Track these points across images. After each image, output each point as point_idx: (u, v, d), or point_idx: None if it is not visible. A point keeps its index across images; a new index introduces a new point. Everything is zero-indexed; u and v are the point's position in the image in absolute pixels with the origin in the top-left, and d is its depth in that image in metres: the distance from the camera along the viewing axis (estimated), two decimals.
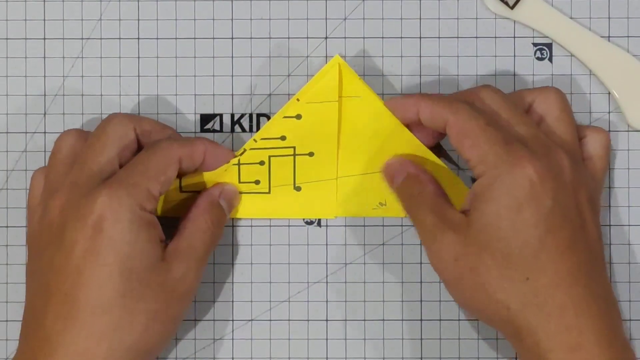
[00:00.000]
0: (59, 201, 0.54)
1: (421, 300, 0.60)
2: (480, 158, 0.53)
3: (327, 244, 0.61)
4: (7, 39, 0.61)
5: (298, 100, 0.58)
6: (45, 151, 0.61)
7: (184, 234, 0.56)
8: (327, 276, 0.60)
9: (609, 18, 0.61)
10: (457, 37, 0.61)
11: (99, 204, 0.53)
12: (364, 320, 0.60)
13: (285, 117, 0.58)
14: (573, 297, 0.52)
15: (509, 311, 0.53)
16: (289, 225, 0.61)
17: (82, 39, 0.61)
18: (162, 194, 0.55)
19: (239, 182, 0.59)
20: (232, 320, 0.61)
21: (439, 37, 0.61)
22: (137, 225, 0.53)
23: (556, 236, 0.52)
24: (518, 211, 0.52)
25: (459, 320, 0.60)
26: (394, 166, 0.58)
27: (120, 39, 0.61)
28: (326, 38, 0.61)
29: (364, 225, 0.61)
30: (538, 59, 0.61)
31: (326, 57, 0.61)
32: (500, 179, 0.53)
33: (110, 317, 0.53)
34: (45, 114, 0.61)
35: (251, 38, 0.61)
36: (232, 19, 0.61)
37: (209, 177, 0.59)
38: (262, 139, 0.58)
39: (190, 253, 0.56)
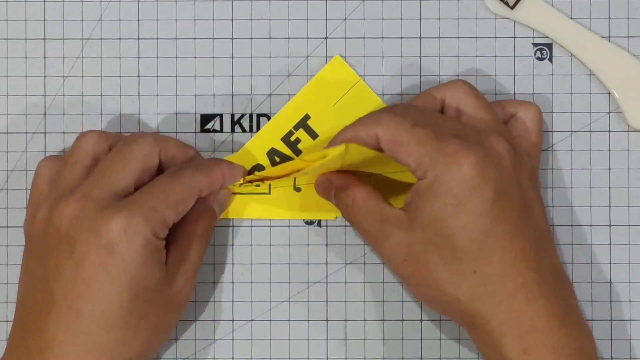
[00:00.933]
0: (70, 209, 0.53)
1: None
2: (417, 162, 0.53)
3: (327, 244, 0.61)
4: (7, 39, 0.61)
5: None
6: (45, 151, 0.61)
7: (181, 243, 0.56)
8: (327, 276, 0.60)
9: (609, 18, 0.61)
10: (457, 37, 0.61)
11: (116, 226, 0.52)
12: (364, 320, 0.60)
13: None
14: (523, 283, 0.53)
15: (460, 303, 0.53)
16: (289, 226, 0.61)
17: (82, 39, 0.61)
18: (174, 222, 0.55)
19: (239, 183, 0.59)
20: (232, 320, 0.61)
21: (439, 37, 0.61)
22: (149, 251, 0.53)
23: (501, 226, 0.53)
24: (460, 207, 0.52)
25: None
26: (323, 184, 0.58)
27: (120, 39, 0.61)
28: (326, 38, 0.61)
29: None
30: (538, 59, 0.61)
31: (326, 57, 0.61)
32: (439, 178, 0.53)
33: (115, 333, 0.53)
34: (45, 114, 0.61)
35: (251, 38, 0.61)
36: (232, 19, 0.61)
37: None
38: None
39: (188, 263, 0.56)
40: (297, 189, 0.60)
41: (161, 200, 0.54)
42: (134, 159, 0.55)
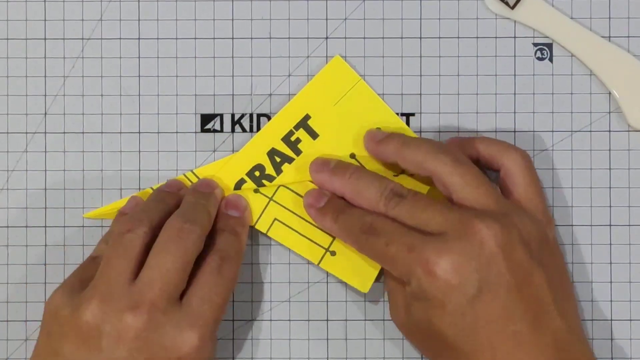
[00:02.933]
0: (140, 321, 0.53)
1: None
2: (399, 272, 0.55)
3: None
4: (7, 39, 0.61)
5: None
6: (45, 151, 0.61)
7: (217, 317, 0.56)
8: (327, 276, 0.60)
9: (609, 18, 0.61)
10: (457, 37, 0.61)
11: (189, 345, 0.54)
12: (364, 320, 0.60)
13: None
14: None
15: None
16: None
17: (82, 39, 0.61)
18: None
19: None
20: (233, 320, 0.61)
21: (439, 37, 0.61)
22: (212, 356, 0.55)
23: (488, 313, 0.53)
24: (442, 308, 0.53)
25: None
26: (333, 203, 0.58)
27: (120, 39, 0.61)
28: (326, 38, 0.61)
29: None
30: (538, 59, 0.61)
31: (326, 57, 0.61)
32: (420, 285, 0.53)
33: None
34: (45, 114, 0.61)
35: (251, 38, 0.61)
36: (232, 19, 0.61)
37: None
38: None
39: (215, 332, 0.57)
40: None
41: (222, 308, 0.55)
42: (190, 257, 0.55)
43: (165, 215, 0.57)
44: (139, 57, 0.61)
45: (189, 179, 0.60)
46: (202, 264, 0.56)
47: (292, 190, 0.59)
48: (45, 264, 0.60)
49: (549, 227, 0.56)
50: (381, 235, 0.55)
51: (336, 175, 0.58)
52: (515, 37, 0.61)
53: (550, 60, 0.61)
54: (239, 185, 0.60)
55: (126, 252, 0.55)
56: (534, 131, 0.61)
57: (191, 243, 0.55)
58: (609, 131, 0.60)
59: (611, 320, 0.60)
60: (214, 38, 0.61)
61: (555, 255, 0.56)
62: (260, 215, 0.60)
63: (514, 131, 0.60)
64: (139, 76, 0.61)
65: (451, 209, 0.54)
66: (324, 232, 0.59)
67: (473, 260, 0.53)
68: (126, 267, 0.54)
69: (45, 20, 0.61)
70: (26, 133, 0.61)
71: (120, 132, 0.61)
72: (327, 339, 0.60)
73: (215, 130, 0.61)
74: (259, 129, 0.61)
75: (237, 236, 0.58)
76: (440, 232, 0.54)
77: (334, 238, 0.59)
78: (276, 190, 0.60)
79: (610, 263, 0.60)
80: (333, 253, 0.59)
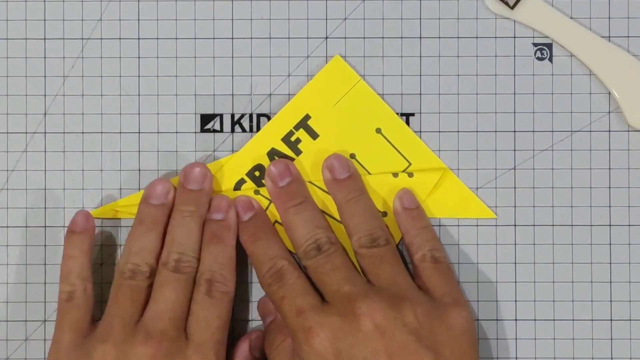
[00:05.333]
0: (151, 350, 0.55)
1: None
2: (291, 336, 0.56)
3: None
4: (7, 39, 0.61)
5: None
6: (45, 151, 0.61)
7: None
8: None
9: (609, 18, 0.61)
10: (457, 37, 0.61)
11: None
12: None
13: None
14: None
15: None
16: None
17: (82, 39, 0.61)
18: None
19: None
20: (232, 320, 0.60)
21: (439, 37, 0.61)
22: None
23: None
24: None
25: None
26: (266, 306, 0.60)
27: (120, 39, 0.61)
28: (326, 38, 0.61)
29: None
30: (538, 59, 0.61)
31: (326, 57, 0.61)
32: (301, 353, 0.55)
33: None
34: (45, 114, 0.61)
35: (251, 38, 0.61)
36: (232, 19, 0.61)
37: None
38: None
39: None
40: None
41: (221, 329, 0.57)
42: (190, 287, 0.57)
43: (159, 242, 0.58)
44: (138, 57, 0.61)
45: None
46: (194, 288, 0.57)
47: None
48: (45, 264, 0.60)
49: (453, 312, 0.56)
50: (282, 286, 0.57)
51: (280, 198, 0.59)
52: (515, 37, 0.61)
53: (550, 60, 0.61)
54: (238, 185, 0.60)
55: (133, 295, 0.57)
56: (534, 131, 0.61)
57: (191, 277, 0.57)
58: (609, 131, 0.61)
59: (611, 320, 0.60)
60: (213, 38, 0.61)
61: (460, 344, 0.55)
62: None
63: (514, 131, 0.60)
64: (139, 76, 0.61)
65: (349, 281, 0.56)
66: None
67: (350, 337, 0.54)
68: (133, 308, 0.57)
69: (45, 20, 0.61)
70: (26, 133, 0.61)
71: (120, 132, 0.61)
72: None
73: (215, 130, 0.61)
74: (258, 129, 0.61)
75: (222, 242, 0.58)
76: (330, 302, 0.56)
77: None
78: None
79: (610, 263, 0.60)
80: None
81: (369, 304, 0.54)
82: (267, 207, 0.60)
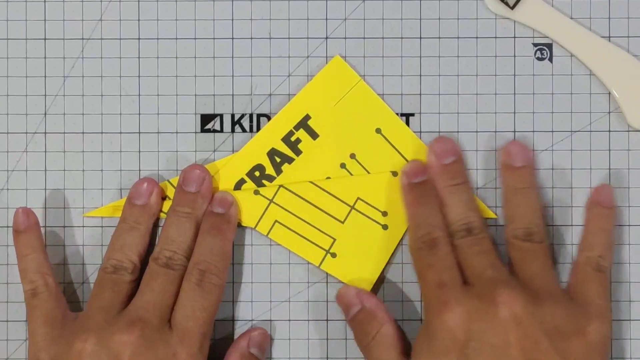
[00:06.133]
0: (133, 337, 0.55)
1: (421, 300, 0.60)
2: (425, 303, 0.56)
3: None
4: (7, 39, 0.61)
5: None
6: (45, 151, 0.61)
7: None
8: (327, 276, 0.60)
9: (609, 18, 0.61)
10: (457, 37, 0.61)
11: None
12: None
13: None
14: None
15: None
16: None
17: (82, 39, 0.61)
18: None
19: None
20: (233, 320, 0.61)
21: (439, 37, 0.61)
22: None
23: None
24: (437, 355, 0.55)
25: None
26: (348, 298, 0.59)
27: (120, 39, 0.61)
28: (326, 38, 0.61)
29: None
30: (538, 59, 0.61)
31: (326, 57, 0.61)
32: (430, 324, 0.55)
33: None
34: (45, 114, 0.61)
35: (251, 38, 0.61)
36: (232, 19, 0.61)
37: None
38: None
39: None
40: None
41: (207, 322, 0.57)
42: (179, 281, 0.58)
43: (144, 241, 0.59)
44: (138, 57, 0.61)
45: None
46: (184, 277, 0.57)
47: (293, 192, 0.59)
48: None
49: (594, 325, 0.55)
50: (432, 255, 0.57)
51: (441, 175, 0.59)
52: (515, 37, 0.61)
53: (550, 60, 0.61)
54: (239, 185, 0.60)
55: (114, 287, 0.57)
56: (533, 131, 0.61)
57: (180, 274, 0.57)
58: (609, 131, 0.60)
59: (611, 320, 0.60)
60: (214, 38, 0.61)
61: (592, 355, 0.55)
62: (261, 218, 0.60)
63: (514, 131, 0.60)
64: (139, 76, 0.61)
65: (494, 267, 0.56)
66: (325, 234, 0.59)
67: (484, 321, 0.54)
68: (114, 299, 0.57)
69: (45, 20, 0.61)
70: (26, 133, 0.61)
71: (120, 132, 0.61)
72: (327, 339, 0.60)
73: (215, 131, 0.61)
74: (259, 129, 0.61)
75: (221, 235, 0.58)
76: (472, 283, 0.56)
77: (334, 240, 0.59)
78: (276, 192, 0.60)
79: None
80: (334, 255, 0.59)
81: (510, 293, 0.54)
82: (266, 208, 0.60)
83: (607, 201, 0.59)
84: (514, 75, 0.61)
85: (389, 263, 0.60)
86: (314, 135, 0.60)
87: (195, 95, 0.61)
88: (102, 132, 0.61)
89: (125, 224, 0.59)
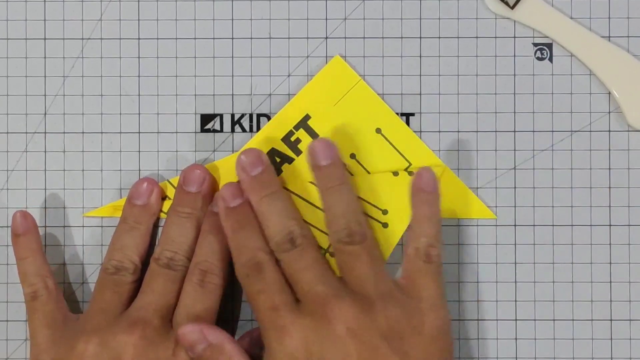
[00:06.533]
0: (134, 337, 0.55)
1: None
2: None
3: None
4: (7, 39, 0.61)
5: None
6: (45, 151, 0.61)
7: None
8: None
9: (609, 18, 0.61)
10: (457, 37, 0.61)
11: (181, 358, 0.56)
12: None
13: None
14: None
15: None
16: None
17: (82, 39, 0.61)
18: None
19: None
20: (232, 320, 0.60)
21: (439, 37, 0.61)
22: None
23: None
24: None
25: (459, 320, 0.60)
26: (192, 334, 0.56)
27: (120, 39, 0.61)
28: (326, 38, 0.61)
29: None
30: (538, 59, 0.61)
31: (326, 57, 0.61)
32: (272, 353, 0.55)
33: None
34: (45, 114, 0.61)
35: (251, 38, 0.61)
36: (232, 19, 0.61)
37: None
38: None
39: None
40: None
41: (210, 322, 0.57)
42: (180, 282, 0.58)
43: (145, 241, 0.59)
44: (138, 57, 0.61)
45: None
46: (186, 278, 0.57)
47: (293, 192, 0.59)
48: None
49: (429, 318, 0.55)
50: (260, 280, 0.56)
51: (253, 187, 0.57)
52: (515, 37, 0.61)
53: (550, 60, 0.61)
54: None
55: (115, 288, 0.57)
56: (533, 131, 0.61)
57: (181, 275, 0.57)
58: (609, 131, 0.61)
59: (611, 320, 0.60)
60: (213, 38, 0.61)
61: (433, 349, 0.55)
62: None
63: (514, 131, 0.60)
64: (139, 76, 0.61)
65: (322, 280, 0.55)
66: (324, 233, 0.59)
67: (322, 340, 0.54)
68: (116, 300, 0.57)
69: (45, 20, 0.61)
70: (26, 133, 0.61)
71: (120, 132, 0.61)
72: None
73: (215, 130, 0.61)
74: (258, 129, 0.61)
75: (221, 234, 0.58)
76: (303, 301, 0.55)
77: None
78: None
79: (610, 263, 0.60)
80: (332, 254, 0.59)
81: (340, 306, 0.54)
82: None
83: (427, 185, 0.58)
84: (514, 75, 0.61)
85: (388, 262, 0.60)
86: (314, 135, 0.60)
87: (195, 95, 0.61)
88: (102, 132, 0.61)
89: (126, 224, 0.59)
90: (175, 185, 0.60)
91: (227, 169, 0.60)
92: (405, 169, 0.60)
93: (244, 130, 0.61)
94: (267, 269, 0.56)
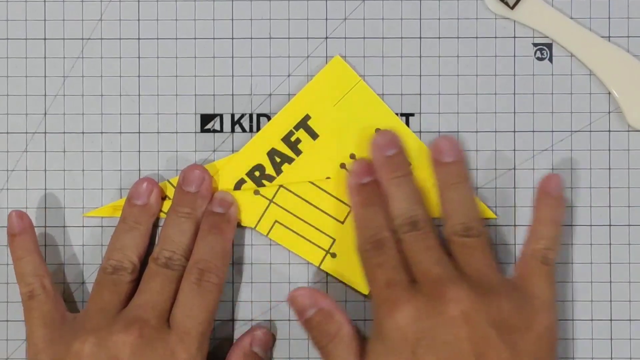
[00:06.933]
0: (132, 337, 0.55)
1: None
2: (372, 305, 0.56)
3: None
4: (7, 39, 0.61)
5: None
6: (45, 151, 0.61)
7: None
8: (327, 276, 0.60)
9: (609, 18, 0.61)
10: (457, 37, 0.61)
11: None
12: (364, 320, 0.60)
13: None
14: None
15: None
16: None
17: (82, 39, 0.61)
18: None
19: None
20: (232, 320, 0.61)
21: (439, 37, 0.61)
22: None
23: None
24: (389, 355, 0.55)
25: None
26: (303, 297, 0.58)
27: (120, 39, 0.61)
28: (326, 38, 0.61)
29: None
30: (538, 59, 0.61)
31: (326, 57, 0.61)
32: (381, 325, 0.55)
33: None
34: (45, 114, 0.61)
35: (251, 38, 0.61)
36: (232, 19, 0.61)
37: None
38: None
39: None
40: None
41: (207, 321, 0.57)
42: (178, 281, 0.58)
43: (144, 241, 0.59)
44: (138, 57, 0.61)
45: None
46: (183, 277, 0.57)
47: (293, 192, 0.59)
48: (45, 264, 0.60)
49: (540, 317, 0.56)
50: (379, 255, 0.57)
51: (384, 167, 0.59)
52: (515, 37, 0.61)
53: (550, 60, 0.61)
54: (239, 185, 0.60)
55: (113, 288, 0.57)
56: (533, 131, 0.61)
57: (179, 274, 0.57)
58: (609, 131, 0.61)
59: (611, 320, 0.60)
60: (213, 38, 0.61)
61: (540, 347, 0.55)
62: (261, 218, 0.60)
63: (514, 131, 0.60)
64: (139, 76, 0.61)
65: (441, 264, 0.56)
66: (325, 234, 0.59)
67: (434, 319, 0.54)
68: (114, 300, 0.57)
69: (45, 20, 0.61)
70: (26, 133, 0.61)
71: (120, 132, 0.61)
72: None
73: (215, 131, 0.61)
74: (259, 129, 0.61)
75: (221, 234, 0.58)
76: (419, 281, 0.56)
77: (334, 240, 0.59)
78: (276, 192, 0.60)
79: (610, 263, 0.60)
80: (334, 255, 0.59)
81: (457, 290, 0.55)
82: (266, 208, 0.60)
83: (555, 191, 0.59)
84: (514, 75, 0.61)
85: None
86: (313, 135, 0.60)
87: (195, 95, 0.61)
88: (102, 132, 0.61)
89: (125, 224, 0.59)
90: (175, 185, 0.60)
91: (227, 169, 0.60)
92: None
93: (244, 130, 0.61)
94: (387, 246, 0.57)
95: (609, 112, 0.61)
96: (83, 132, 0.61)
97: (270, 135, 0.60)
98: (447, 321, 0.54)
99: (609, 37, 0.61)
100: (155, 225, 0.60)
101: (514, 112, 0.61)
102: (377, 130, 0.59)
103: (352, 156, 0.60)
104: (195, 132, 0.61)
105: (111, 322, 0.56)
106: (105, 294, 0.57)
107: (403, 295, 0.55)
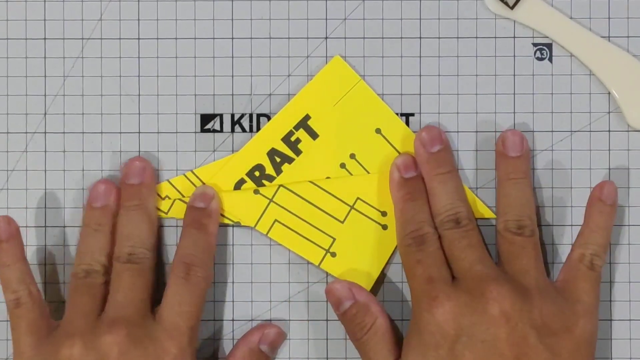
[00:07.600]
0: (119, 337, 0.55)
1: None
2: (413, 299, 0.57)
3: None
4: (7, 39, 0.61)
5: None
6: (45, 151, 0.61)
7: None
8: (327, 276, 0.60)
9: (609, 18, 0.61)
10: (457, 37, 0.61)
11: (170, 356, 0.56)
12: None
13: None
14: None
15: None
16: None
17: (82, 39, 0.61)
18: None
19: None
20: (233, 320, 0.61)
21: (439, 37, 0.61)
22: None
23: None
24: (426, 349, 0.55)
25: None
26: (340, 290, 0.58)
27: (120, 39, 0.61)
28: (326, 38, 0.61)
29: None
30: (538, 59, 0.61)
31: (326, 57, 0.61)
32: (420, 319, 0.55)
33: None
34: (45, 114, 0.61)
35: (251, 38, 0.61)
36: (232, 19, 0.61)
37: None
38: None
39: None
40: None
41: (195, 315, 0.57)
42: (150, 274, 0.58)
43: (109, 241, 0.58)
44: (138, 57, 0.61)
45: (188, 179, 0.60)
46: (170, 273, 0.57)
47: (293, 192, 0.59)
48: (45, 264, 0.60)
49: (582, 322, 0.56)
50: (421, 251, 0.57)
51: (429, 163, 0.59)
52: (514, 37, 0.61)
53: (550, 60, 0.61)
54: (238, 185, 0.60)
55: (90, 291, 0.57)
56: (533, 131, 0.61)
57: (146, 266, 0.58)
58: (609, 131, 0.61)
59: (611, 320, 0.60)
60: (213, 38, 0.61)
61: (579, 352, 0.55)
62: (261, 217, 0.60)
63: None
64: (139, 76, 0.61)
65: (483, 262, 0.56)
66: (325, 234, 0.59)
67: (474, 316, 0.54)
68: (92, 303, 0.57)
69: (45, 20, 0.61)
70: (26, 133, 0.61)
71: (120, 132, 0.61)
72: (327, 339, 0.60)
73: (215, 130, 0.61)
74: (258, 129, 0.61)
75: (203, 228, 0.58)
76: (460, 278, 0.56)
77: (334, 239, 0.59)
78: (276, 192, 0.60)
79: (610, 263, 0.60)
80: (334, 254, 0.59)
81: (499, 289, 0.55)
82: (266, 207, 0.60)
83: (609, 198, 0.59)
84: (514, 75, 0.61)
85: (388, 263, 0.60)
86: (313, 135, 0.60)
87: (195, 95, 0.61)
88: (102, 132, 0.61)
89: (89, 228, 0.59)
90: (176, 185, 0.60)
91: (227, 169, 0.60)
92: None
93: (244, 130, 0.61)
94: (429, 242, 0.57)
95: (609, 112, 0.61)
96: (83, 132, 0.61)
97: (270, 135, 0.60)
98: (487, 320, 0.54)
99: (609, 37, 0.61)
100: (161, 225, 0.60)
101: (514, 112, 0.61)
102: (425, 126, 0.59)
103: (352, 156, 0.60)
104: (195, 132, 0.61)
105: (94, 324, 0.56)
106: (82, 299, 0.57)
107: (443, 291, 0.55)
